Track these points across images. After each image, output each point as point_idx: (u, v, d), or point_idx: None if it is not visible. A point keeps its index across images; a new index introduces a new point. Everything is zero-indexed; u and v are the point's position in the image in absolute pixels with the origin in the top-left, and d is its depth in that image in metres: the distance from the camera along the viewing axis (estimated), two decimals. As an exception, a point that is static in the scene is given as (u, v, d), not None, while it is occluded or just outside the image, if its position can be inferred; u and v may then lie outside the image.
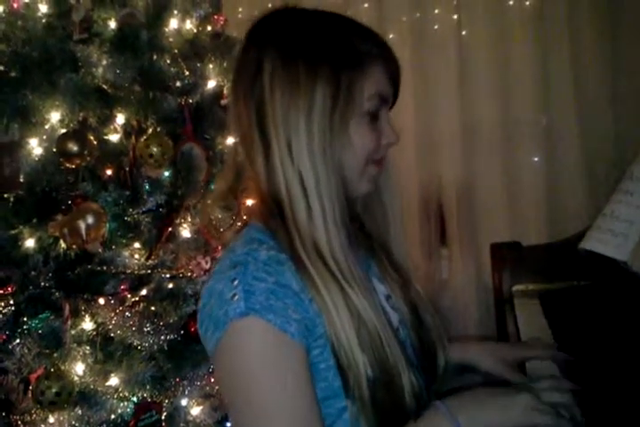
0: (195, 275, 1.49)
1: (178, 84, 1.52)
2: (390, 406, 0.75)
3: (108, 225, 1.40)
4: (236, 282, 0.72)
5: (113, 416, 1.39)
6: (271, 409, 0.70)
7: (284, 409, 0.70)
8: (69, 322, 1.37)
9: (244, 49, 0.83)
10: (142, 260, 1.46)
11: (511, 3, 2.51)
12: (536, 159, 2.54)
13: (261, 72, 0.78)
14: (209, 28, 1.65)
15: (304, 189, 0.76)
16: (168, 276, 1.47)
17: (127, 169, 1.46)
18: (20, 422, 1.36)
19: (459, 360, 1.01)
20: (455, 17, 2.54)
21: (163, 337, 1.41)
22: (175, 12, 1.56)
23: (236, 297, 0.71)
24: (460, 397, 0.78)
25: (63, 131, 1.42)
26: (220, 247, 1.57)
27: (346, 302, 0.75)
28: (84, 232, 1.34)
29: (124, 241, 1.45)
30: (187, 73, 1.54)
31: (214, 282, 0.75)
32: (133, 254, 1.46)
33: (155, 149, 1.43)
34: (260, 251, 0.75)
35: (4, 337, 1.37)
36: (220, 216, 1.60)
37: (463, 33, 2.56)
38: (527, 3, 2.49)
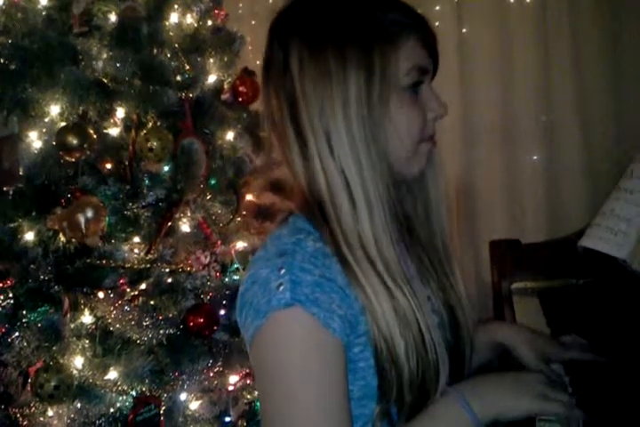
0: (194, 269, 1.49)
1: (178, 78, 1.52)
2: (421, 406, 0.74)
3: (107, 219, 1.40)
4: (282, 271, 0.70)
5: (112, 410, 1.39)
6: (304, 403, 0.69)
7: (317, 404, 0.69)
8: (68, 316, 1.37)
9: (269, 45, 0.79)
10: (142, 254, 1.46)
11: (512, 0, 2.51)
12: (536, 157, 2.55)
13: (289, 66, 0.75)
14: (209, 22, 1.64)
15: (346, 183, 0.73)
16: (167, 270, 1.47)
17: (127, 163, 1.45)
18: (18, 416, 1.36)
19: (491, 339, 0.97)
20: (456, 14, 2.54)
21: (162, 331, 1.41)
22: (176, 6, 1.56)
23: (282, 287, 0.69)
24: (472, 383, 0.77)
25: (63, 124, 1.42)
26: (219, 242, 1.57)
27: (392, 304, 0.72)
28: (83, 226, 1.34)
29: (124, 235, 1.44)
30: (187, 67, 1.53)
31: (258, 268, 0.73)
32: (133, 248, 1.46)
33: (154, 143, 1.42)
34: (307, 242, 0.73)
35: (4, 330, 1.37)
36: (219, 211, 1.60)
37: (464, 30, 2.56)
38: (528, 0, 2.49)
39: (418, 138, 0.78)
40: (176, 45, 1.54)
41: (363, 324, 0.72)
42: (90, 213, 1.35)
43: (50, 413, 1.36)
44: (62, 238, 1.39)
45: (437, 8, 2.55)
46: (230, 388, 1.54)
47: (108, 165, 1.47)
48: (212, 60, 1.60)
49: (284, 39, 0.77)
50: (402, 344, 0.72)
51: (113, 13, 1.46)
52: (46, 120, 1.43)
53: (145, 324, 1.39)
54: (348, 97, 0.73)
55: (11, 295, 1.38)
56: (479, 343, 0.95)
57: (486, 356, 0.98)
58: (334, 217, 0.74)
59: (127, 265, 1.44)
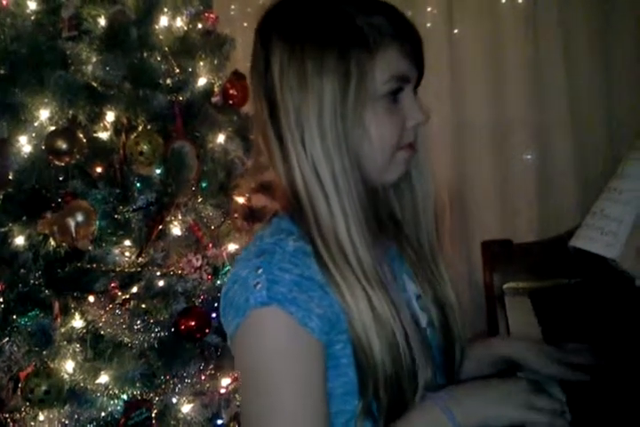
0: (185, 272, 1.49)
1: (168, 81, 1.52)
2: (400, 407, 0.75)
3: (97, 223, 1.40)
4: (260, 270, 0.71)
5: (103, 414, 1.38)
6: (278, 402, 0.70)
7: (290, 403, 0.70)
8: (59, 320, 1.37)
9: (254, 45, 0.80)
10: (133, 257, 1.46)
11: (503, 1, 2.52)
12: (528, 157, 2.55)
13: (270, 68, 0.76)
14: (200, 25, 1.64)
15: (322, 186, 0.74)
16: (158, 273, 1.47)
17: (117, 167, 1.45)
18: (9, 420, 1.36)
19: (496, 355, 0.98)
20: (447, 15, 2.54)
21: (153, 335, 1.41)
22: (165, 9, 1.55)
23: (259, 286, 0.70)
24: (454, 390, 0.77)
25: (52, 128, 1.41)
26: (210, 245, 1.57)
27: (369, 305, 0.73)
28: (73, 230, 1.34)
29: (115, 239, 1.44)
30: (177, 70, 1.53)
31: (238, 268, 0.74)
32: (124, 252, 1.45)
33: (145, 147, 1.42)
34: (288, 241, 0.74)
35: (-6, 335, 1.37)
36: (210, 214, 1.60)
37: (455, 31, 2.56)
38: (519, 1, 2.50)
39: (393, 145, 0.78)
40: (166, 49, 1.54)
41: (344, 321, 0.73)
42: (80, 217, 1.35)
43: (40, 417, 1.35)
44: (52, 243, 1.39)
45: (429, 9, 2.56)
46: (222, 391, 1.53)
47: (99, 169, 1.47)
48: (202, 63, 1.60)
49: (266, 39, 0.77)
50: (377, 344, 0.72)
51: (102, 17, 1.46)
52: (36, 124, 1.42)
53: (136, 327, 1.39)
54: (322, 104, 0.74)
55: (1, 300, 1.37)
56: (480, 360, 0.96)
57: (486, 371, 0.98)
58: (312, 219, 0.75)
59: (118, 269, 1.43)
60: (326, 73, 0.73)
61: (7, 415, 1.36)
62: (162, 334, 1.43)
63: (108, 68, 1.43)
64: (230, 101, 1.66)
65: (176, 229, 1.53)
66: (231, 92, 1.65)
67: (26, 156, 1.42)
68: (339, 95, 0.73)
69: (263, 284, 0.70)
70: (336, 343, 0.73)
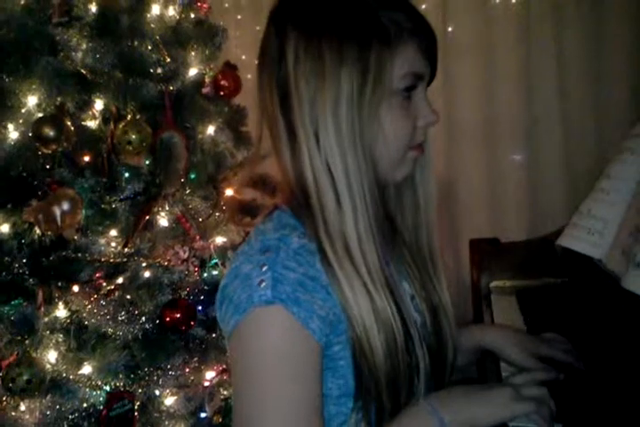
0: (172, 264, 1.48)
1: (159, 70, 1.50)
2: (398, 409, 0.74)
3: (84, 212, 1.38)
4: (265, 268, 0.69)
5: (85, 405, 1.38)
6: (273, 401, 0.69)
7: (285, 404, 0.69)
8: (43, 309, 1.35)
9: (266, 32, 0.77)
10: (119, 248, 1.45)
11: (497, 0, 2.52)
12: (518, 157, 2.57)
13: (284, 57, 0.74)
14: (192, 15, 1.62)
15: (333, 181, 0.72)
16: (144, 264, 1.46)
17: (105, 156, 1.44)
18: (-11, 410, 1.35)
19: (476, 343, 0.97)
20: (441, 13, 2.54)
21: (137, 326, 1.40)
22: (158, -3, 1.54)
23: (264, 284, 0.68)
24: (442, 393, 0.77)
25: (40, 115, 1.40)
26: (198, 237, 1.56)
27: (371, 306, 0.71)
28: (59, 218, 1.32)
29: (101, 228, 1.43)
30: (168, 60, 1.52)
31: (241, 263, 0.72)
32: (110, 242, 1.44)
33: (133, 136, 1.41)
34: (292, 238, 0.73)
35: (-25, 323, 1.36)
36: (198, 206, 1.59)
37: (449, 29, 2.56)
38: (513, 0, 2.50)
39: (405, 144, 0.77)
40: (157, 37, 1.52)
41: (344, 322, 0.72)
42: (66, 206, 1.34)
43: (22, 407, 1.34)
44: (38, 231, 1.37)
45: (424, 6, 2.56)
46: (206, 384, 1.53)
47: (86, 158, 1.45)
48: (193, 53, 1.58)
49: (281, 27, 0.75)
50: (378, 346, 0.72)
51: (93, 3, 1.44)
52: (23, 111, 1.41)
53: (120, 318, 1.38)
54: (339, 96, 0.72)
55: (-17, 288, 1.36)
56: (460, 348, 0.95)
57: (466, 359, 0.98)
58: (320, 214, 0.73)
59: (103, 259, 1.42)
60: (345, 65, 0.72)
61: (-13, 405, 1.35)
62: (146, 325, 1.42)
63: (97, 56, 1.42)
64: (221, 92, 1.65)
65: (163, 221, 1.52)
66: (222, 82, 1.64)
67: (12, 142, 1.41)
68: (356, 88, 0.72)
69: (268, 282, 0.68)
70: (335, 345, 0.72)
